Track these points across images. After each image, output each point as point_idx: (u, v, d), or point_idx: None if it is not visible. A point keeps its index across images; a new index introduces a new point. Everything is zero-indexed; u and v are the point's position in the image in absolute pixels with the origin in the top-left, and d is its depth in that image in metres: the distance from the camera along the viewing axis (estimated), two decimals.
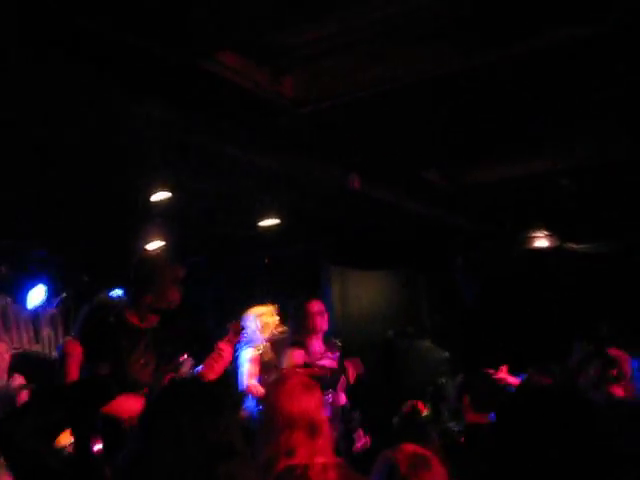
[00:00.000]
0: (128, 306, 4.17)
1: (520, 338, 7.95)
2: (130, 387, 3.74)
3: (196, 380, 2.73)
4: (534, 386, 4.70)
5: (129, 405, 3.54)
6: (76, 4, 3.45)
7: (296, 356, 5.43)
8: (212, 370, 4.22)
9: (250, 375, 5.97)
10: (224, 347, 4.36)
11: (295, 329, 5.72)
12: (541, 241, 8.95)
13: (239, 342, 4.99)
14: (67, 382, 4.27)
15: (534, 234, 8.85)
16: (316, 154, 5.82)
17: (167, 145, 4.97)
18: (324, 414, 3.12)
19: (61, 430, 2.53)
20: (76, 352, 4.10)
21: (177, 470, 2.00)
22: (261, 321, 6.18)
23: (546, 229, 8.73)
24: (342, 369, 5.63)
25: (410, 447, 2.47)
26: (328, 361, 5.59)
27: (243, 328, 4.74)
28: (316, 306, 5.72)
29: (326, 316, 5.79)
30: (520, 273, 8.73)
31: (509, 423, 2.38)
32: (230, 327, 4.57)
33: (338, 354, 5.75)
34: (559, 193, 7.23)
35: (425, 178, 6.68)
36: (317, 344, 5.67)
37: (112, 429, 3.58)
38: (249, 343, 6.10)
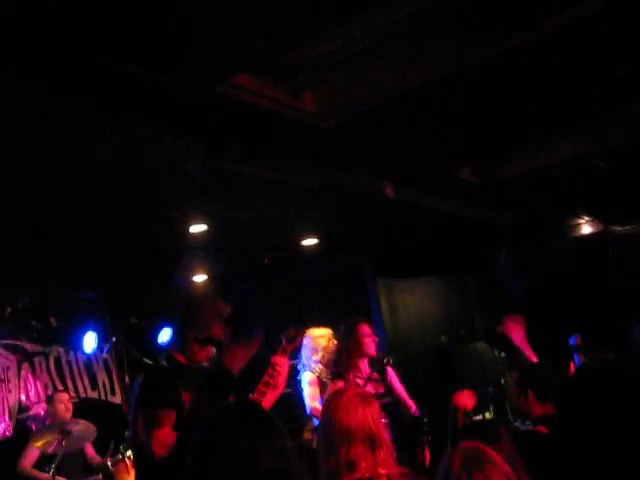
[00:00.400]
0: (176, 347, 4.05)
1: (575, 329, 7.80)
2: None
3: (248, 405, 2.66)
4: (593, 367, 4.61)
5: None
6: (95, 40, 3.47)
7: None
8: (270, 388, 3.98)
9: (313, 398, 5.93)
10: (279, 360, 4.09)
11: (343, 352, 5.64)
12: (584, 227, 8.81)
13: (296, 351, 4.54)
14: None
15: (576, 221, 8.72)
16: (346, 166, 5.80)
17: (196, 175, 4.98)
18: (383, 427, 3.06)
19: None
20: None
21: None
22: (317, 344, 6.11)
23: (587, 214, 8.58)
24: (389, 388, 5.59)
25: (471, 443, 2.41)
26: (373, 387, 5.53)
27: (297, 335, 4.30)
28: (366, 329, 5.67)
29: (375, 340, 5.72)
30: (568, 263, 8.59)
31: (572, 406, 2.33)
32: (283, 336, 4.27)
33: (390, 370, 5.68)
34: (594, 176, 7.11)
35: (458, 177, 6.60)
36: (363, 366, 5.62)
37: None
38: (306, 366, 6.04)
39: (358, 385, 5.36)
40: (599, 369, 3.01)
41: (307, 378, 6.02)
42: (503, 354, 9.16)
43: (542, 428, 4.09)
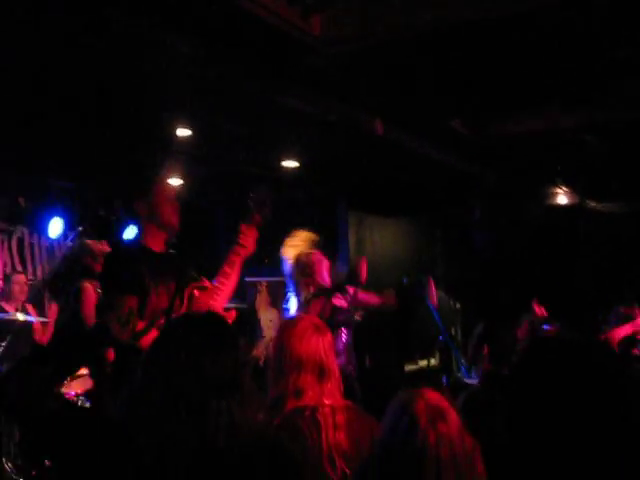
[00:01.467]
0: (140, 234, 3.90)
1: (533, 294, 7.93)
2: (151, 317, 3.56)
3: (208, 315, 2.64)
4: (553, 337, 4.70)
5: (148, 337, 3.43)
6: None
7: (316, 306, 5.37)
8: (233, 266, 3.74)
9: None
10: (246, 231, 3.78)
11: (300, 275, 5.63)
12: (561, 197, 8.89)
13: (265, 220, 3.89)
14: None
15: (554, 190, 8.78)
16: (341, 96, 5.75)
17: (191, 80, 4.91)
18: (334, 358, 3.09)
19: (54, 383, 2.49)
20: (91, 295, 4.08)
21: (170, 402, 1.99)
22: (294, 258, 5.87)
23: (567, 186, 8.65)
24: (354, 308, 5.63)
25: (432, 394, 2.42)
26: (339, 300, 5.57)
27: (266, 199, 3.85)
28: (317, 256, 5.66)
29: (327, 265, 5.71)
30: (538, 230, 8.68)
31: (526, 373, 2.35)
32: (251, 201, 3.85)
33: (349, 297, 5.72)
34: (583, 150, 7.14)
35: (450, 127, 6.59)
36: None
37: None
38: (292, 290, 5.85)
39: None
40: (554, 339, 3.05)
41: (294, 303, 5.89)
42: (458, 305, 9.34)
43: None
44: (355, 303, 5.66)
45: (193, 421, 1.98)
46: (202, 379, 2.02)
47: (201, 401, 2.00)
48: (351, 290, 5.71)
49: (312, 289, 5.43)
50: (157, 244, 3.80)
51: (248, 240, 3.77)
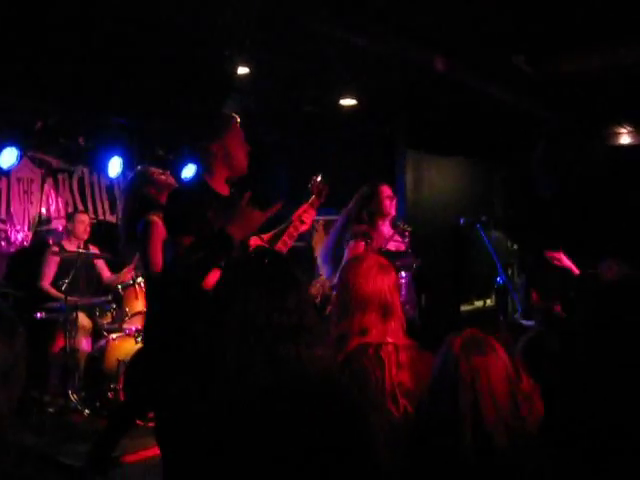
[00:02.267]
0: (208, 176, 3.80)
1: (596, 236, 7.79)
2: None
3: (268, 254, 2.61)
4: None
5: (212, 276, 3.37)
6: None
7: (359, 248, 5.35)
8: (292, 240, 3.99)
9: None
10: (308, 212, 4.07)
11: (362, 210, 5.60)
12: (624, 137, 8.65)
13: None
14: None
15: (618, 129, 8.55)
16: (402, 32, 5.63)
17: (249, 16, 4.85)
18: (398, 297, 3.09)
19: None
20: (160, 230, 4.06)
21: (241, 357, 1.98)
22: None
23: (631, 125, 8.41)
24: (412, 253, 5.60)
25: (471, 331, 2.43)
26: (394, 244, 5.55)
27: (324, 189, 4.19)
28: (387, 190, 5.64)
29: (395, 202, 5.70)
30: (602, 170, 8.47)
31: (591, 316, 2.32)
32: (312, 186, 4.19)
33: (407, 239, 5.69)
34: None
35: (513, 64, 6.42)
36: (385, 228, 5.62)
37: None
38: None
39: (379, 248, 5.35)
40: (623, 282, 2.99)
41: None
42: (515, 246, 9.23)
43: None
44: None
45: (262, 368, 1.97)
46: (270, 321, 2.00)
47: (271, 343, 1.99)
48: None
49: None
50: (223, 186, 3.78)
51: (308, 218, 4.09)
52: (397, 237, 5.60)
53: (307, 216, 4.09)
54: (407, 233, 5.65)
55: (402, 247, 5.62)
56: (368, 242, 5.35)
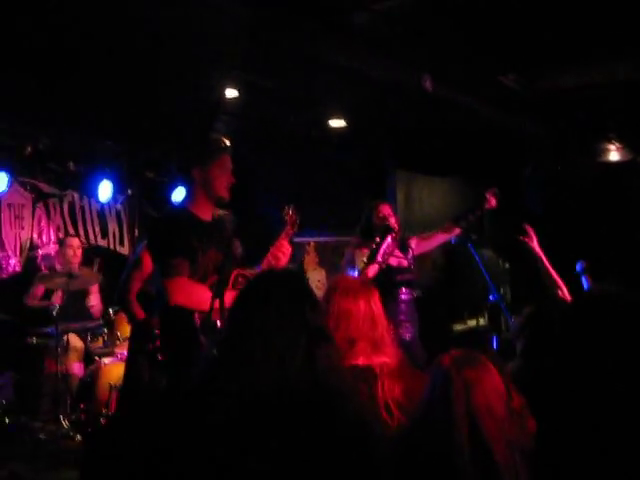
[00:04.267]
0: (189, 201, 3.91)
1: (585, 252, 7.81)
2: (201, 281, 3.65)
3: (288, 272, 2.72)
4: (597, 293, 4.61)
5: (205, 296, 3.47)
6: None
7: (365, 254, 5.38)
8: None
9: None
10: (283, 244, 3.99)
11: (365, 230, 5.65)
12: (613, 154, 8.69)
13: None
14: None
15: (606, 146, 8.59)
16: (389, 53, 5.67)
17: (239, 39, 4.88)
18: (382, 311, 3.09)
19: None
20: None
21: (283, 354, 2.05)
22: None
23: (619, 141, 8.45)
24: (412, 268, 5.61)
25: (463, 350, 2.44)
26: (396, 260, 5.55)
27: (297, 217, 4.16)
28: (387, 209, 5.67)
29: (394, 218, 5.72)
30: (590, 186, 8.51)
31: (570, 332, 2.33)
32: (285, 217, 4.14)
33: (410, 254, 5.70)
34: (637, 104, 6.96)
35: (501, 82, 6.47)
36: (386, 243, 5.63)
37: (182, 324, 3.57)
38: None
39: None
40: (603, 295, 3.00)
41: None
42: (507, 265, 9.23)
43: None
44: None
45: (301, 363, 2.05)
46: (307, 329, 2.10)
47: (309, 350, 2.08)
48: (413, 242, 5.71)
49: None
50: (205, 212, 3.82)
51: (284, 251, 3.98)
52: (398, 252, 5.62)
53: (283, 249, 4.00)
54: (411, 243, 5.67)
55: (404, 263, 5.63)
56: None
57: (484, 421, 2.22)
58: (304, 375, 2.04)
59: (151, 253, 3.84)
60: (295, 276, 2.32)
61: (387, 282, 5.19)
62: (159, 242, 3.73)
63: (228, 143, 3.91)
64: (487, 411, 2.24)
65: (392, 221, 5.54)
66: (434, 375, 2.37)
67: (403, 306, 5.44)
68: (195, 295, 3.56)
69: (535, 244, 5.33)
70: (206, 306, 3.40)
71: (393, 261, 5.48)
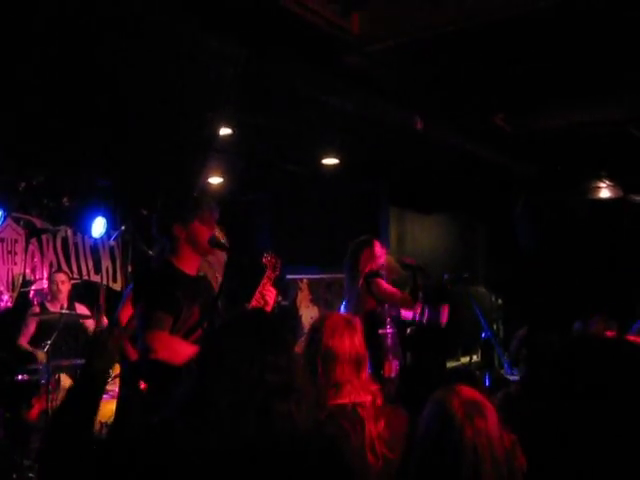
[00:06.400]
0: (170, 252, 3.87)
1: (578, 290, 7.84)
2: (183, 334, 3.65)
3: (258, 313, 2.65)
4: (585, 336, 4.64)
5: (184, 351, 3.47)
6: None
7: (383, 283, 5.49)
8: None
9: None
10: (267, 290, 4.06)
11: (352, 267, 5.69)
12: (604, 191, 8.76)
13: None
14: None
15: (597, 184, 8.66)
16: (381, 93, 5.74)
17: (232, 79, 4.93)
18: (365, 351, 3.11)
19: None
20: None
21: (234, 411, 1.97)
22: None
23: (610, 179, 8.53)
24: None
25: (467, 391, 2.43)
26: (406, 313, 5.65)
27: (277, 262, 4.27)
28: (378, 248, 5.72)
29: (384, 258, 5.77)
30: (581, 223, 8.57)
31: (561, 373, 2.34)
32: (265, 262, 4.23)
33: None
34: (627, 143, 7.04)
35: (491, 121, 6.54)
36: (381, 281, 5.70)
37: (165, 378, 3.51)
38: None
39: None
40: (595, 338, 3.00)
41: None
42: (500, 301, 9.25)
43: None
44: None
45: (255, 424, 1.97)
46: (264, 384, 2.01)
47: (266, 407, 1.99)
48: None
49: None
50: (190, 266, 3.83)
51: (269, 294, 4.07)
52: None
53: (268, 293, 4.07)
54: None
55: (409, 316, 5.69)
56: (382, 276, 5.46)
57: (485, 465, 2.24)
58: (260, 435, 1.96)
59: (135, 305, 3.79)
60: (257, 327, 2.17)
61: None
62: (144, 295, 3.71)
63: (209, 198, 3.97)
64: (490, 456, 2.26)
65: (382, 260, 5.60)
66: (442, 421, 2.34)
67: (389, 340, 5.48)
68: (175, 350, 3.53)
69: None
70: (184, 360, 3.40)
71: (404, 313, 5.59)
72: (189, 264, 3.82)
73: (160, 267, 4.01)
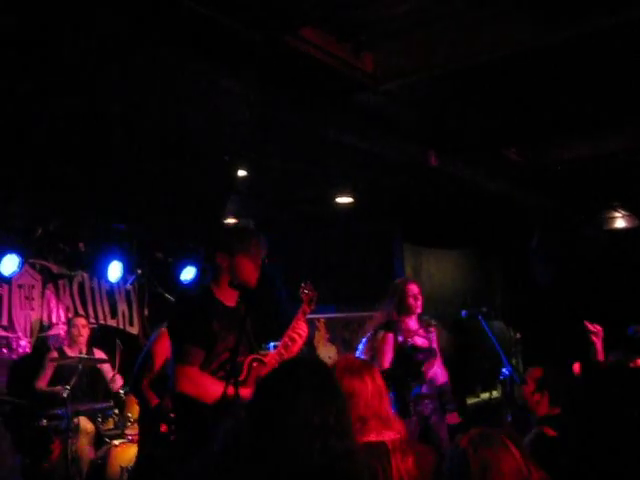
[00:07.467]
0: (214, 284, 3.79)
1: (596, 321, 7.76)
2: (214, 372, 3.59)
3: (317, 363, 2.64)
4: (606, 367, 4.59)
5: (212, 389, 3.45)
6: None
7: (388, 339, 5.42)
8: (287, 351, 3.86)
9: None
10: (300, 325, 3.93)
11: (391, 308, 5.69)
12: (619, 221, 8.75)
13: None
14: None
15: (612, 214, 8.66)
16: (394, 130, 5.78)
17: (247, 121, 4.98)
18: (385, 390, 3.10)
19: None
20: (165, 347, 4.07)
21: (301, 445, 2.02)
22: None
23: (624, 209, 8.52)
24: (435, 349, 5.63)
25: (479, 428, 2.43)
26: (420, 339, 5.59)
27: (314, 295, 4.05)
28: (414, 288, 5.72)
29: (420, 300, 5.76)
30: (597, 254, 8.54)
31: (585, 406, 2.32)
32: (301, 294, 4.03)
33: (434, 333, 5.73)
34: (637, 172, 7.05)
35: (504, 156, 6.57)
36: (411, 323, 5.67)
37: (192, 417, 3.51)
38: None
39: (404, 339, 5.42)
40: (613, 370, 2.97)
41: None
42: (518, 335, 9.19)
43: (547, 429, 4.04)
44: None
45: (320, 457, 2.01)
46: (326, 423, 2.06)
47: (325, 440, 2.03)
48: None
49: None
50: (229, 297, 3.76)
51: (301, 330, 3.93)
52: (422, 332, 5.65)
53: (299, 330, 3.94)
54: (432, 329, 5.69)
55: (426, 343, 5.66)
56: (396, 333, 5.42)
57: None
58: (319, 468, 2.00)
59: (170, 335, 3.75)
60: (320, 373, 2.22)
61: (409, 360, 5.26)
62: (179, 326, 3.68)
63: (258, 232, 3.90)
64: None
65: (413, 303, 5.61)
66: (452, 454, 2.36)
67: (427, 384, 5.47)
68: (202, 387, 3.49)
69: (599, 341, 5.32)
70: (212, 399, 3.39)
71: (418, 340, 5.54)
72: (228, 295, 3.75)
73: (199, 295, 3.96)
